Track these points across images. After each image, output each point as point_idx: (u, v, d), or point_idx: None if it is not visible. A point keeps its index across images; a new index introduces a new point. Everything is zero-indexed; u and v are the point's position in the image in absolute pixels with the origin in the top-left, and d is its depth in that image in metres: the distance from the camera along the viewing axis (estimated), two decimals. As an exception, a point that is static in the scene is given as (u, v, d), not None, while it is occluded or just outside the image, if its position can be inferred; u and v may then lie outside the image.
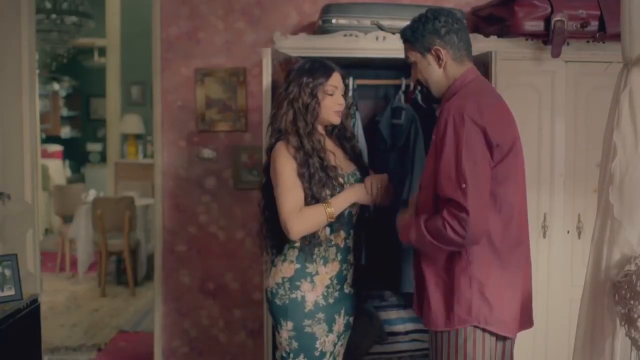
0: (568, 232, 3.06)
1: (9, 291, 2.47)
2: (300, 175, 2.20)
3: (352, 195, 2.25)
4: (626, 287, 1.84)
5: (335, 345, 2.35)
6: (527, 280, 2.15)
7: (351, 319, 2.43)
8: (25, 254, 3.28)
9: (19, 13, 3.20)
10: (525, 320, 2.14)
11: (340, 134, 2.42)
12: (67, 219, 6.67)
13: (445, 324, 2.05)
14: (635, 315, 1.81)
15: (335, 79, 2.28)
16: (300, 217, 2.17)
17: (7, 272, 2.48)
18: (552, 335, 3.05)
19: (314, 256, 2.27)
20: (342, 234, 2.31)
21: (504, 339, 2.06)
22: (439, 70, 2.10)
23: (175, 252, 3.58)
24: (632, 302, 1.81)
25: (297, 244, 2.27)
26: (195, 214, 3.56)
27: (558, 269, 3.06)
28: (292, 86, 2.26)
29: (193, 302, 3.59)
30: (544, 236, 3.04)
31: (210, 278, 3.58)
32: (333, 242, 2.29)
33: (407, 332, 2.91)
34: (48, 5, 6.28)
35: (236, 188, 3.54)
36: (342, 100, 2.30)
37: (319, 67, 2.28)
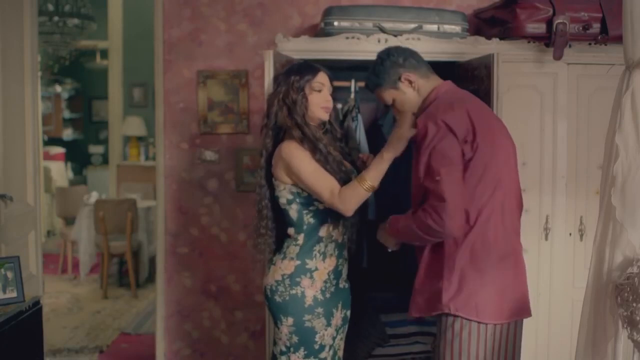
0: (570, 234, 3.06)
1: (11, 293, 2.47)
2: (318, 161, 2.26)
3: (385, 157, 2.24)
4: (628, 289, 1.84)
5: (334, 339, 2.39)
6: (515, 273, 2.19)
7: (348, 312, 2.47)
8: (28, 255, 3.28)
9: (21, 15, 3.20)
10: (516, 309, 2.16)
11: (332, 135, 2.46)
12: (69, 221, 6.67)
13: (420, 311, 2.21)
14: (638, 318, 1.80)
15: (322, 77, 2.36)
16: (341, 198, 2.21)
17: (10, 274, 2.47)
18: (554, 338, 3.05)
19: (314, 252, 2.32)
20: (341, 229, 2.36)
21: (486, 325, 2.10)
22: (414, 92, 2.27)
23: (177, 254, 3.58)
24: (634, 304, 1.81)
25: (300, 242, 2.30)
26: (197, 216, 3.56)
27: (560, 271, 3.06)
28: (281, 85, 2.34)
29: (195, 304, 3.59)
30: (546, 238, 3.04)
31: (212, 280, 3.59)
32: (333, 238, 2.34)
33: (409, 335, 2.91)
34: (50, 7, 6.28)
35: (238, 190, 3.54)
36: (329, 98, 2.37)
37: (306, 67, 2.39)
